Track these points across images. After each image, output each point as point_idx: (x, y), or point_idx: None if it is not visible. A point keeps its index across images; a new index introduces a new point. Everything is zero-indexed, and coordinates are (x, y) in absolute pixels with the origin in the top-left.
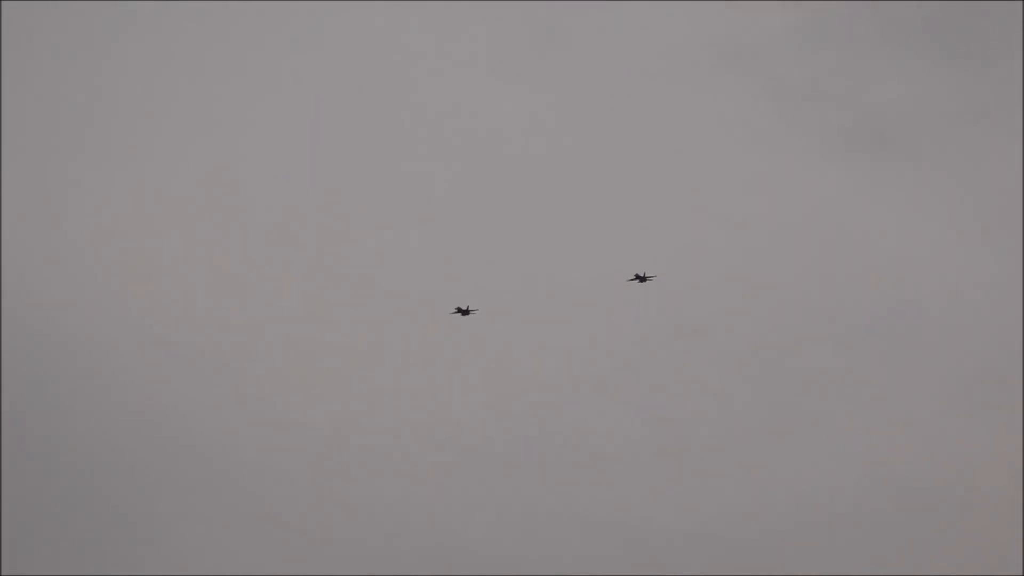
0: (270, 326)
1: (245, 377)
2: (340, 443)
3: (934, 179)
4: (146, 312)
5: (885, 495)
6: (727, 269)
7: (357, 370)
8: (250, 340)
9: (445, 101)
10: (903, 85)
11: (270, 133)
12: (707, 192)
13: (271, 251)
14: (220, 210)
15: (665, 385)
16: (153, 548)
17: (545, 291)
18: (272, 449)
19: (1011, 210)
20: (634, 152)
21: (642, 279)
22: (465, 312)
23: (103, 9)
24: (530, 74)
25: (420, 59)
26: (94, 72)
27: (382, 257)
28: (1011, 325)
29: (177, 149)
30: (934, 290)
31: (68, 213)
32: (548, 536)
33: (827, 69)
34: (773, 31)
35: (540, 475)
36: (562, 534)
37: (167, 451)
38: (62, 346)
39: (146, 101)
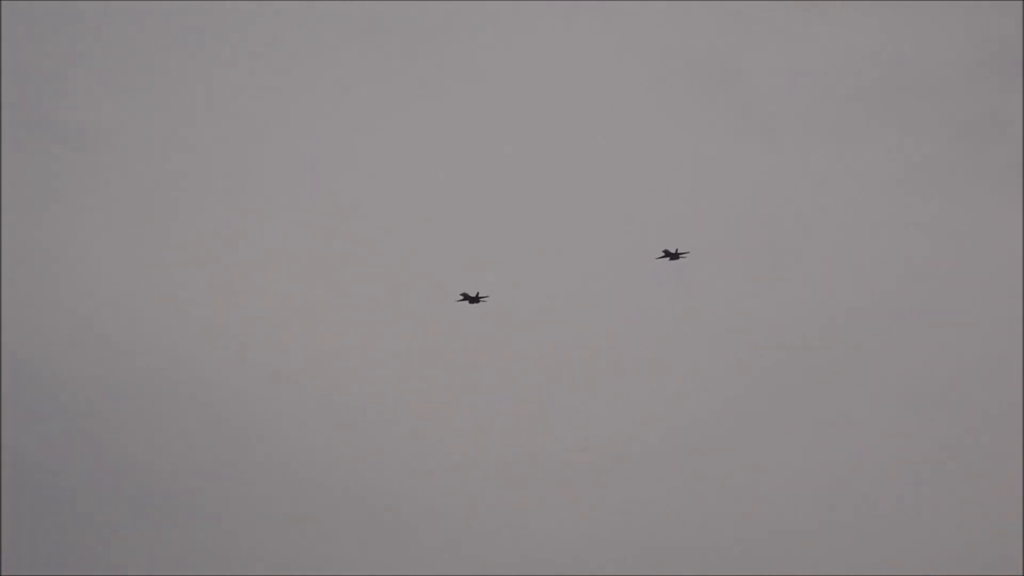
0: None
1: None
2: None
3: None
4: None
5: (887, 495)
6: (899, 312)
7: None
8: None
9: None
10: None
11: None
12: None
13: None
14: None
15: (675, 387)
16: (155, 549)
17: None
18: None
19: None
20: (793, 182)
21: (673, 256)
22: (474, 299)
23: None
24: (698, 105)
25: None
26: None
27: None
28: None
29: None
30: None
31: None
32: (556, 540)
33: (1003, 102)
34: (948, 63)
35: (541, 478)
36: (568, 537)
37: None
38: (62, 348)
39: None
